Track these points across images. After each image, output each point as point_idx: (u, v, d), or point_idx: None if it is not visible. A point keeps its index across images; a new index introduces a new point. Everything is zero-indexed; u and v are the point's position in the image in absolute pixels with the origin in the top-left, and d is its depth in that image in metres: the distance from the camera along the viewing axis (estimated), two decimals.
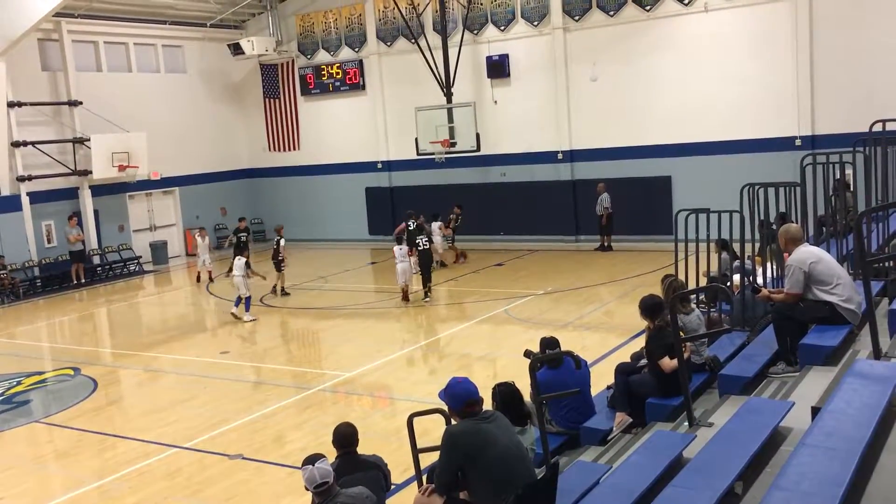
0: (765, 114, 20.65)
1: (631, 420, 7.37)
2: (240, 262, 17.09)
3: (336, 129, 27.62)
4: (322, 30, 27.44)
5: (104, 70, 25.41)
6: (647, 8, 21.89)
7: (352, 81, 26.97)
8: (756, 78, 20.56)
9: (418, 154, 23.88)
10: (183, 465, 9.75)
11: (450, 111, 23.27)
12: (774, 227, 9.18)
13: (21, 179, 22.66)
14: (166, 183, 26.58)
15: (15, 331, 18.43)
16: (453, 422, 5.05)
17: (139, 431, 11.02)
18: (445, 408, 5.15)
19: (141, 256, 25.38)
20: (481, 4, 24.28)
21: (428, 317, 16.97)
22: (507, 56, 23.94)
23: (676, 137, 21.84)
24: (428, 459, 6.00)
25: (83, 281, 23.28)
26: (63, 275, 23.18)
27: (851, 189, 10.54)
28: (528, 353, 7.55)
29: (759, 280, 9.49)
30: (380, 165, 26.97)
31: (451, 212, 22.31)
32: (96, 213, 24.68)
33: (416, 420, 6.11)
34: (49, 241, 23.60)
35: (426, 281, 17.86)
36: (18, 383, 13.91)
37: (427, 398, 9.78)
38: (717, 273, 10.61)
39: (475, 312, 16.59)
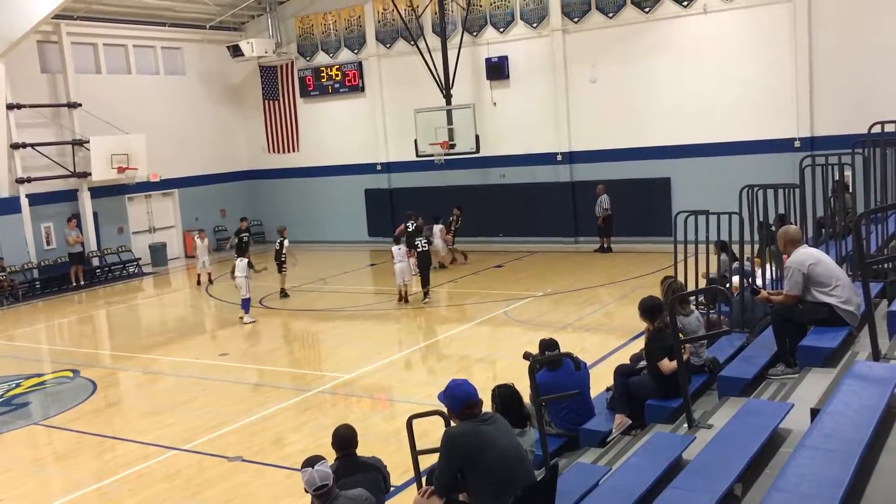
0: (764, 115, 20.67)
1: (630, 422, 7.37)
2: (241, 263, 17.10)
3: (335, 131, 27.63)
4: (321, 32, 27.45)
5: (103, 72, 25.41)
6: (646, 10, 21.91)
7: (351, 83, 26.98)
8: (755, 80, 20.58)
9: (418, 156, 23.89)
10: (182, 467, 9.74)
11: (449, 113, 23.28)
12: (773, 228, 9.18)
13: (20, 181, 22.66)
14: (165, 185, 26.58)
15: (14, 333, 18.42)
16: (453, 424, 5.06)
17: (138, 433, 11.01)
18: (445, 410, 5.15)
19: (140, 258, 25.37)
20: (480, 6, 24.30)
21: (427, 318, 16.97)
22: (506, 58, 23.96)
23: (676, 139, 21.86)
24: (427, 461, 5.99)
25: (82, 283, 23.27)
26: (62, 277, 23.17)
27: (850, 190, 10.55)
28: (527, 355, 7.55)
29: (759, 282, 9.49)
30: (379, 167, 26.98)
31: (451, 214, 22.32)
32: (95, 215, 24.67)
33: (415, 422, 6.10)
34: (48, 243, 23.60)
35: (425, 283, 17.87)
36: (17, 385, 13.90)
37: (426, 400, 9.77)
38: (717, 275, 10.62)
39: (474, 314, 16.59)
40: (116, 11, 24.99)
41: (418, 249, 17.79)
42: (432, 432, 6.42)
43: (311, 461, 4.94)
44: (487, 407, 5.34)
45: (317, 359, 15.22)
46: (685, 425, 6.28)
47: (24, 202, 22.72)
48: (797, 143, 20.18)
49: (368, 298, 19.23)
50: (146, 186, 25.86)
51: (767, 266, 9.55)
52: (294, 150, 28.76)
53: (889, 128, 11.42)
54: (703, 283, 10.15)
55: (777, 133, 20.54)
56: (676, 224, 9.72)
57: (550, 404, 7.47)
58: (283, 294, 19.48)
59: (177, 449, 10.30)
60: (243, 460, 9.77)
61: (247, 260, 17.26)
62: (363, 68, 26.72)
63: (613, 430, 7.38)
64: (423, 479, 5.82)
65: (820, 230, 10.93)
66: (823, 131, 19.79)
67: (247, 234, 22.07)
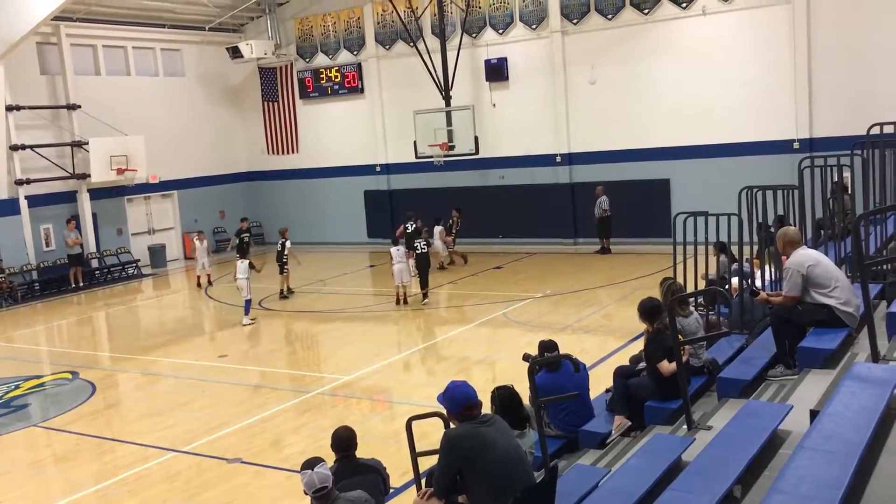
0: (763, 117, 20.68)
1: (630, 423, 7.37)
2: (242, 264, 17.11)
3: (335, 133, 27.63)
4: (321, 33, 27.46)
5: (103, 73, 25.41)
6: (646, 11, 21.93)
7: (350, 85, 26.98)
8: (754, 81, 20.59)
9: (417, 157, 23.89)
10: (181, 469, 9.74)
11: (448, 114, 23.28)
12: (773, 229, 9.18)
13: (19, 183, 22.65)
14: (165, 186, 26.58)
15: (13, 334, 18.41)
16: (452, 425, 5.05)
17: (137, 435, 11.00)
18: (444, 411, 5.15)
19: (139, 260, 25.37)
20: (480, 8, 24.31)
21: (426, 320, 16.97)
22: (505, 59, 23.97)
23: (675, 140, 21.86)
24: (427, 463, 5.99)
25: (81, 284, 23.26)
26: (61, 278, 23.17)
27: (849, 192, 10.55)
28: (526, 357, 7.55)
29: (758, 283, 9.49)
30: (378, 168, 26.98)
31: (451, 216, 22.33)
32: (95, 216, 24.66)
33: (414, 423, 6.09)
34: (47, 245, 23.59)
35: (423, 284, 17.88)
36: (16, 387, 13.89)
37: (426, 402, 9.77)
38: (716, 276, 10.62)
39: (474, 315, 16.59)
40: (116, 13, 24.99)
41: (417, 251, 17.79)
42: (432, 434, 6.41)
43: (311, 463, 4.93)
44: (487, 408, 5.34)
45: (316, 360, 15.22)
46: (684, 427, 6.28)
47: (24, 204, 22.72)
48: (796, 145, 20.19)
49: (368, 300, 19.23)
50: (145, 188, 25.86)
51: (767, 267, 9.56)
52: (293, 152, 28.76)
53: (888, 129, 11.43)
54: (702, 285, 10.15)
55: (776, 134, 20.55)
56: (676, 225, 9.72)
57: (550, 406, 7.46)
58: (283, 295, 19.49)
59: (176, 451, 10.30)
60: (242, 462, 9.77)
61: (248, 261, 17.27)
62: (362, 70, 26.72)
63: (613, 432, 7.37)
64: (423, 481, 5.82)
65: (819, 231, 10.94)
66: (822, 133, 19.81)
67: (247, 234, 22.08)
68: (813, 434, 4.65)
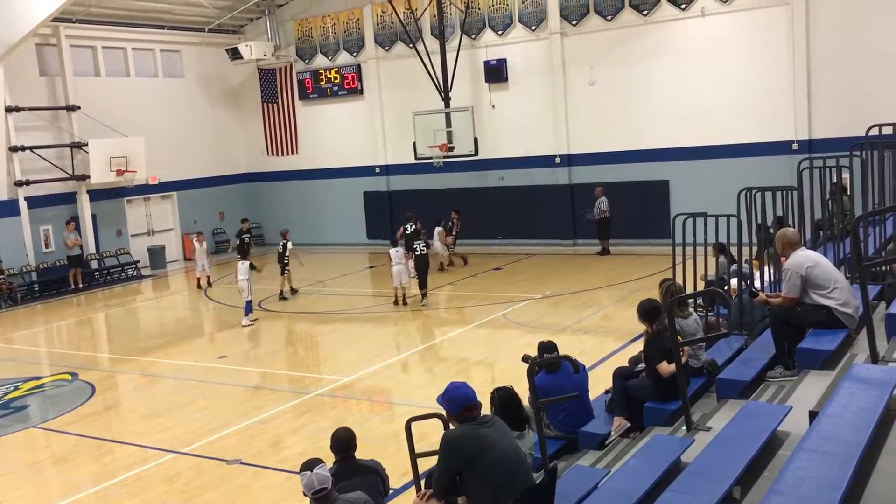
0: (762, 118, 20.69)
1: (629, 424, 7.37)
2: (243, 266, 17.11)
3: (334, 134, 27.64)
4: (320, 34, 27.47)
5: (102, 75, 25.41)
6: (645, 12, 21.94)
7: (350, 86, 26.99)
8: (753, 82, 20.61)
9: (416, 158, 23.90)
10: (181, 470, 9.74)
11: (448, 115, 23.29)
12: (772, 231, 9.19)
13: (19, 184, 22.65)
14: (164, 187, 26.57)
15: (13, 336, 18.41)
16: (451, 426, 5.05)
17: (137, 436, 11.00)
18: (444, 412, 5.15)
19: (139, 261, 25.37)
20: (479, 9, 24.32)
21: (426, 321, 16.97)
22: (504, 60, 23.98)
23: (674, 141, 21.87)
24: (426, 464, 5.99)
25: (81, 286, 23.25)
26: (61, 280, 23.16)
27: (848, 193, 10.56)
28: (526, 358, 7.55)
29: (757, 284, 9.49)
30: (378, 170, 26.98)
31: (450, 218, 22.33)
32: (94, 217, 24.66)
33: (414, 424, 6.09)
34: (47, 246, 23.59)
35: (423, 285, 17.88)
36: (16, 388, 13.89)
37: (425, 403, 9.78)
38: (715, 277, 10.62)
39: (473, 316, 16.59)
40: (115, 14, 25.00)
41: (416, 252, 17.80)
42: (431, 435, 6.41)
43: (310, 464, 4.93)
44: (486, 409, 5.34)
45: (315, 361, 15.22)
46: (684, 428, 6.28)
47: (23, 205, 22.73)
48: (795, 146, 20.20)
49: (367, 301, 19.23)
50: (145, 189, 25.86)
51: (766, 268, 9.56)
52: (293, 153, 28.76)
53: (887, 130, 11.43)
54: (701, 286, 10.15)
55: (775, 136, 20.56)
56: (675, 226, 9.73)
57: (549, 407, 7.46)
58: (282, 297, 19.49)
59: (175, 452, 10.30)
60: (242, 463, 9.77)
61: (248, 263, 17.27)
62: (362, 71, 26.73)
63: (612, 433, 7.38)
64: (422, 482, 5.82)
65: (818, 233, 10.95)
66: (821, 134, 19.82)
67: (248, 235, 22.07)
68: (812, 435, 4.65)
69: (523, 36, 23.81)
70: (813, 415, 5.19)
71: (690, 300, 8.88)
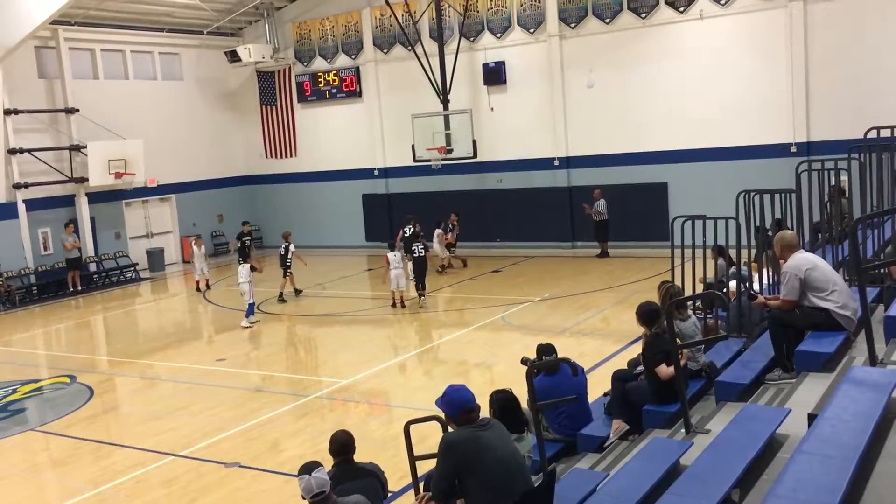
0: (760, 120, 20.72)
1: (628, 427, 7.36)
2: (244, 268, 17.12)
3: (333, 136, 27.65)
4: (319, 37, 27.48)
5: (101, 77, 25.42)
6: (643, 15, 21.97)
7: (348, 88, 27.00)
8: (751, 85, 20.63)
9: (415, 161, 23.91)
10: (179, 474, 9.72)
11: (446, 118, 23.31)
12: (770, 233, 9.19)
13: (17, 187, 22.66)
14: (163, 190, 26.58)
15: (11, 338, 18.39)
16: (450, 429, 5.05)
17: (135, 439, 10.98)
18: (442, 415, 5.15)
19: (137, 264, 25.37)
20: (478, 12, 24.35)
21: (425, 324, 16.97)
22: (503, 63, 24.00)
23: (672, 144, 21.90)
24: (425, 467, 5.99)
25: (79, 288, 23.25)
26: (59, 282, 23.16)
27: (847, 195, 10.56)
28: (524, 361, 7.54)
29: (756, 287, 9.49)
30: (376, 172, 26.98)
31: (450, 220, 22.33)
32: (93, 220, 24.65)
33: (413, 427, 6.10)
34: (45, 249, 23.58)
35: (421, 287, 17.89)
36: (14, 391, 13.87)
37: (424, 405, 9.75)
38: (714, 280, 10.62)
39: (472, 319, 16.58)
40: (114, 17, 25.00)
41: (414, 255, 17.80)
42: (430, 438, 6.42)
43: (309, 467, 4.92)
44: (485, 412, 5.34)
45: (314, 364, 15.20)
46: (682, 430, 6.28)
47: (22, 207, 22.73)
48: (793, 148, 20.21)
49: (366, 303, 19.23)
50: (143, 192, 25.86)
51: (764, 271, 9.56)
52: (292, 156, 28.77)
53: (885, 133, 11.44)
54: (700, 288, 10.15)
55: (773, 138, 20.58)
56: (673, 229, 9.73)
57: (548, 410, 7.46)
58: (281, 299, 19.49)
59: (174, 455, 10.29)
60: (241, 466, 9.76)
61: (249, 265, 17.28)
62: (360, 73, 26.74)
63: (611, 436, 7.37)
64: (421, 485, 5.82)
65: (816, 235, 10.94)
66: (820, 136, 19.84)
67: (248, 237, 22.07)
68: (811, 438, 4.65)
69: (522, 38, 23.82)
70: (812, 417, 5.20)
71: (689, 303, 8.89)
